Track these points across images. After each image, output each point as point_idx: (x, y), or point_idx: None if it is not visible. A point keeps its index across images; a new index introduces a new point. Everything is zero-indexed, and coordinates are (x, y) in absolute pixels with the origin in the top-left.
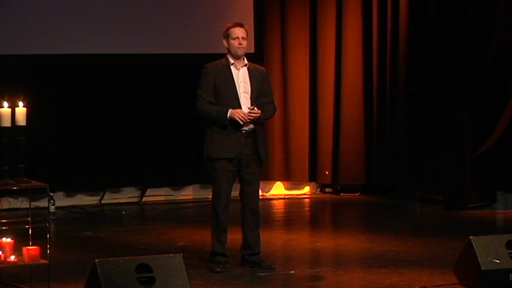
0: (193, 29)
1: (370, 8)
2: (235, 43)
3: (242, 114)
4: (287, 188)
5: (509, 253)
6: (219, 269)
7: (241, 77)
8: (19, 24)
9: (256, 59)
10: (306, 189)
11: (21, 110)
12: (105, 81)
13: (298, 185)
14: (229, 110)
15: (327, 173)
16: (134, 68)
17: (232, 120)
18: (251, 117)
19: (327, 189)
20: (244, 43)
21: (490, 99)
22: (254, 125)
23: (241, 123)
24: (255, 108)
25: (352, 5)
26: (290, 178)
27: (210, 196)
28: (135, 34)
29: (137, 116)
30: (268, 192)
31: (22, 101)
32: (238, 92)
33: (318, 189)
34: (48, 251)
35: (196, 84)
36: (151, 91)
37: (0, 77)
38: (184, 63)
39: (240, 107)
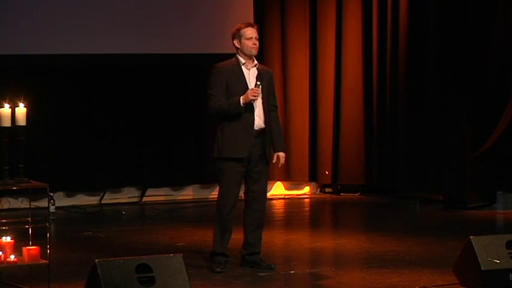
0: (193, 29)
1: (370, 8)
2: (249, 43)
3: (253, 92)
4: (287, 188)
5: (509, 253)
6: (219, 269)
7: (251, 77)
8: (19, 24)
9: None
10: (306, 189)
11: (21, 110)
12: (105, 81)
13: (298, 185)
14: (240, 98)
15: (327, 173)
16: (134, 68)
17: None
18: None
19: (327, 189)
20: (257, 43)
21: (490, 99)
22: (264, 125)
23: (256, 99)
24: (259, 85)
25: (352, 5)
26: (290, 178)
27: (210, 196)
28: (135, 34)
29: (137, 116)
30: (268, 192)
31: (22, 102)
32: None
33: (318, 189)
34: (48, 251)
35: (197, 84)
36: (151, 91)
37: (0, 77)
38: (185, 63)
39: (252, 105)
